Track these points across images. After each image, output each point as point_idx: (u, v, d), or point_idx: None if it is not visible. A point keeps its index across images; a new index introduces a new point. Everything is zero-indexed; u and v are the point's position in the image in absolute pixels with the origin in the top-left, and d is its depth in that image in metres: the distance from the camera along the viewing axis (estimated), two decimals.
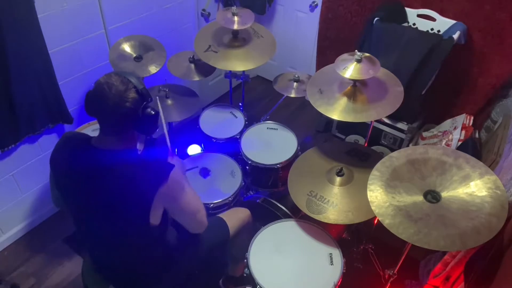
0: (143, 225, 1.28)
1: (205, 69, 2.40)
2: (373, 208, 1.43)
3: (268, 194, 2.21)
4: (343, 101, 1.82)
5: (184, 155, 2.36)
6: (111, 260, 1.48)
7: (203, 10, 2.96)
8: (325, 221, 1.69)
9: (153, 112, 1.27)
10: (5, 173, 2.19)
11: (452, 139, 2.42)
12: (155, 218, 1.30)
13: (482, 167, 1.43)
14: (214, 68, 2.36)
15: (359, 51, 1.76)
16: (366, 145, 2.26)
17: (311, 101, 1.86)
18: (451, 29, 2.40)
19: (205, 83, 3.32)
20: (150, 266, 1.47)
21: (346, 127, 3.11)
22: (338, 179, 1.84)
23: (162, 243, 1.45)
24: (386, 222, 1.38)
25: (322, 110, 1.81)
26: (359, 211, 1.71)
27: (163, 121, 1.90)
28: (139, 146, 2.20)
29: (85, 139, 1.32)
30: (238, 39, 2.30)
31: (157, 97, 2.04)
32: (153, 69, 2.24)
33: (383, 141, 2.87)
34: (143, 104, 1.25)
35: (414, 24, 2.57)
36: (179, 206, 1.35)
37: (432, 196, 1.42)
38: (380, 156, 1.73)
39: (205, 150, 2.43)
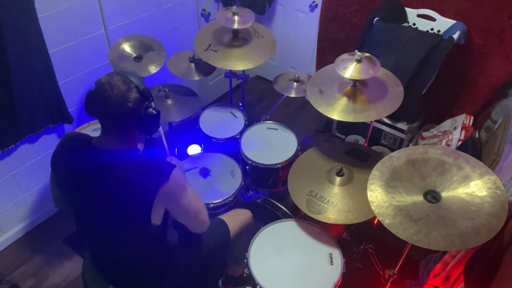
0: (144, 225, 1.28)
1: (205, 69, 2.40)
2: (373, 208, 1.43)
3: (268, 194, 2.21)
4: (343, 101, 1.82)
5: (184, 155, 2.36)
6: (111, 260, 1.48)
7: (203, 10, 2.96)
8: (325, 221, 1.69)
9: (154, 112, 1.27)
10: (5, 173, 2.19)
11: (452, 139, 2.42)
12: (156, 218, 1.30)
13: (482, 167, 1.43)
14: (214, 68, 2.36)
15: (359, 51, 1.76)
16: (366, 145, 2.26)
17: (311, 101, 1.86)
18: (451, 29, 2.40)
19: (205, 83, 3.32)
20: (151, 266, 1.47)
21: (346, 127, 3.11)
22: (338, 179, 1.84)
23: (163, 243, 1.45)
24: (386, 222, 1.38)
25: (322, 110, 1.81)
26: (359, 211, 1.71)
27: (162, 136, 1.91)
28: (139, 146, 2.20)
29: (86, 140, 1.33)
30: (238, 39, 2.30)
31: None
32: (153, 69, 2.24)
33: (383, 141, 2.87)
34: (145, 103, 1.25)
35: (414, 24, 2.57)
36: (180, 206, 1.35)
37: (432, 196, 1.42)
38: (380, 156, 1.73)
39: (205, 150, 2.43)
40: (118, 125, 1.25)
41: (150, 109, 1.27)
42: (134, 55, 2.25)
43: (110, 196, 1.27)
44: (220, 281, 2.05)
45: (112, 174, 1.24)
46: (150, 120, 1.27)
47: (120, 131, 1.27)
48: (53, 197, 2.27)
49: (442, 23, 2.47)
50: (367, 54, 1.80)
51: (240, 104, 2.60)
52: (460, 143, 2.35)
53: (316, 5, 3.11)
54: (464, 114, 2.57)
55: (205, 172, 2.14)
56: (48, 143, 2.32)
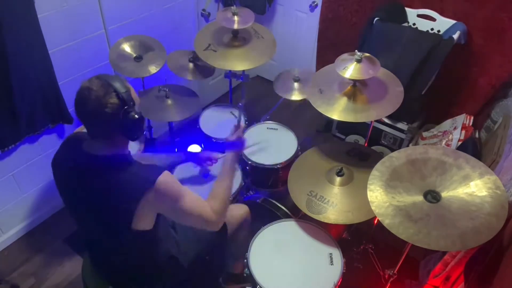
0: (126, 229, 1.25)
1: (205, 69, 2.40)
2: (373, 208, 1.43)
3: (268, 194, 2.21)
4: (343, 101, 1.82)
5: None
6: (109, 262, 1.48)
7: (203, 10, 2.96)
8: (325, 221, 1.69)
9: (136, 116, 1.23)
10: (5, 173, 2.19)
11: (452, 139, 2.42)
12: (142, 224, 1.26)
13: (482, 167, 1.43)
14: (214, 68, 2.35)
15: (359, 51, 1.76)
16: (366, 145, 2.26)
17: (311, 101, 1.86)
18: (451, 29, 2.40)
19: (205, 83, 3.32)
20: (149, 267, 1.46)
21: (346, 127, 3.11)
22: (338, 179, 1.84)
23: (158, 245, 1.44)
24: (386, 222, 1.38)
25: (322, 110, 1.81)
26: (359, 211, 1.71)
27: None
28: (139, 146, 2.20)
29: (79, 142, 1.31)
30: (238, 39, 2.30)
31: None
32: (153, 69, 2.24)
33: (383, 141, 2.87)
34: (124, 108, 1.21)
35: (414, 24, 2.57)
36: (176, 211, 1.30)
37: (432, 196, 1.42)
38: (380, 156, 1.73)
39: (205, 150, 2.43)
40: (99, 129, 1.24)
41: (131, 114, 1.22)
42: (134, 55, 2.25)
43: (95, 200, 1.26)
44: (221, 278, 2.06)
45: (97, 179, 1.23)
46: (132, 125, 1.23)
47: (103, 135, 1.25)
48: None
49: (442, 23, 2.47)
50: (367, 54, 1.79)
51: (240, 104, 2.59)
52: (460, 143, 2.35)
53: (316, 5, 3.11)
54: (464, 114, 2.57)
55: (205, 172, 2.14)
56: (48, 143, 2.31)
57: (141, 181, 1.22)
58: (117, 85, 1.20)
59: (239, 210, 1.85)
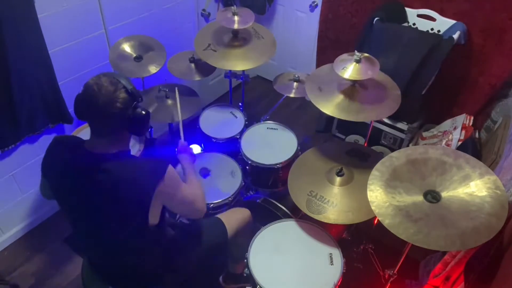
0: (142, 225, 1.28)
1: (205, 69, 2.40)
2: (373, 208, 1.43)
3: (268, 194, 2.21)
4: (342, 99, 1.81)
5: None
6: (110, 263, 1.48)
7: (203, 10, 2.96)
8: (325, 221, 1.69)
9: (143, 112, 1.27)
10: (5, 173, 2.19)
11: (452, 139, 2.42)
12: (154, 218, 1.30)
13: (482, 167, 1.43)
14: (214, 68, 2.36)
15: (358, 51, 1.76)
16: (366, 145, 2.26)
17: (310, 97, 1.85)
18: (451, 29, 2.40)
19: (205, 83, 3.32)
20: (149, 267, 1.46)
21: (346, 127, 3.11)
22: (338, 179, 1.84)
23: (160, 244, 1.45)
24: (386, 222, 1.38)
25: (320, 106, 1.80)
26: (359, 211, 1.71)
27: (178, 109, 1.93)
28: (139, 147, 2.20)
29: (77, 143, 1.32)
30: (238, 39, 2.30)
31: (176, 88, 2.08)
32: (153, 69, 2.24)
33: (383, 141, 2.87)
34: (133, 104, 1.24)
35: (414, 24, 2.57)
36: (177, 201, 1.37)
37: (432, 196, 1.42)
38: (380, 156, 1.73)
39: (205, 150, 2.43)
40: (107, 126, 1.24)
41: (139, 110, 1.26)
42: (134, 55, 2.25)
43: (105, 199, 1.26)
44: (220, 278, 2.06)
45: (106, 178, 1.23)
46: (139, 121, 1.27)
47: (109, 132, 1.26)
48: (40, 186, 2.24)
49: (442, 23, 2.47)
50: (366, 55, 1.79)
51: (240, 104, 2.60)
52: (460, 143, 2.35)
53: (316, 5, 3.11)
54: (464, 114, 2.57)
55: (205, 172, 2.14)
56: (48, 143, 2.31)
57: (152, 173, 1.25)
58: (124, 81, 1.23)
59: (241, 214, 1.85)
